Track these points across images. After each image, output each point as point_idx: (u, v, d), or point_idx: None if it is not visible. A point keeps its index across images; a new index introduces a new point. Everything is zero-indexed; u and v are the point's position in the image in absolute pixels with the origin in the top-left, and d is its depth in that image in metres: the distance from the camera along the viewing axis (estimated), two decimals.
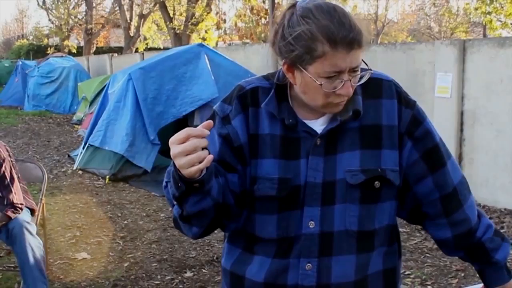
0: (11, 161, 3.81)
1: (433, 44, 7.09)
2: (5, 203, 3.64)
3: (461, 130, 6.57)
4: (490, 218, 5.72)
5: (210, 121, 1.32)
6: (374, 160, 1.44)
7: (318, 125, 1.46)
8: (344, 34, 1.33)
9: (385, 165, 1.45)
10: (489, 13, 14.21)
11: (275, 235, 1.46)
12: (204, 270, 4.53)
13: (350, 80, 1.36)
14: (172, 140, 1.29)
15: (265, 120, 1.47)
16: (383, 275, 1.51)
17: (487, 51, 6.24)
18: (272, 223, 1.46)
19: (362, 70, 1.41)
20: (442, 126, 6.62)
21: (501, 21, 14.72)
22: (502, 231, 5.33)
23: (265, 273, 1.47)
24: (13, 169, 3.77)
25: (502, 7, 14.06)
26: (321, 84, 1.35)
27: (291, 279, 1.44)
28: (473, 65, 6.40)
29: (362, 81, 1.41)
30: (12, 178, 3.71)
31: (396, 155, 1.47)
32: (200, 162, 1.27)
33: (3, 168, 3.65)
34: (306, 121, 1.46)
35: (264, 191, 1.44)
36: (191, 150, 1.26)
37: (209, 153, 1.29)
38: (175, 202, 1.40)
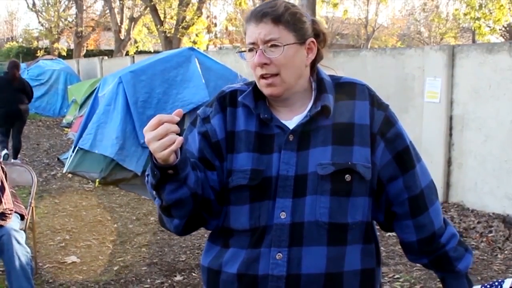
0: (2, 167, 3.81)
1: (423, 49, 7.14)
2: None
3: (450, 135, 6.61)
4: (478, 222, 5.78)
5: (180, 109, 1.43)
6: (345, 155, 1.51)
7: (293, 123, 1.55)
8: (258, 9, 1.53)
9: (356, 160, 1.51)
10: (478, 18, 14.30)
11: (248, 225, 1.51)
12: (194, 274, 4.53)
13: (264, 51, 1.50)
14: (146, 128, 1.39)
15: (241, 118, 1.58)
16: (360, 275, 1.53)
17: (476, 57, 6.29)
18: (244, 214, 1.52)
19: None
20: (431, 130, 6.67)
21: (490, 27, 14.82)
22: (490, 235, 5.38)
23: (238, 264, 1.51)
24: (4, 178, 3.77)
25: (491, 13, 14.17)
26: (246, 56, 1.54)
27: (262, 269, 1.48)
28: (462, 71, 6.45)
29: (276, 55, 1.49)
30: (3, 187, 3.72)
31: (368, 152, 1.53)
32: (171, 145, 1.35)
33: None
34: (281, 120, 1.57)
35: (237, 181, 1.52)
36: (163, 134, 1.35)
37: (188, 149, 1.48)
38: (154, 193, 1.48)
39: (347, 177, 1.49)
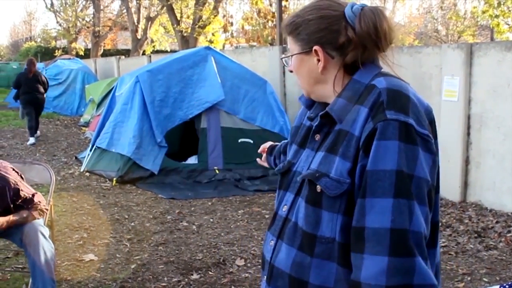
0: (21, 175, 3.88)
1: (440, 48, 7.08)
2: (29, 206, 3.72)
3: (468, 134, 6.56)
4: (497, 222, 5.72)
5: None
6: (329, 165, 1.43)
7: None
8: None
9: (333, 172, 1.41)
10: (497, 16, 14.17)
11: (275, 207, 1.67)
12: (210, 273, 4.55)
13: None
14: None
15: (306, 114, 1.70)
16: None
17: (494, 55, 6.23)
18: (276, 197, 1.69)
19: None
20: (449, 129, 6.62)
21: (508, 25, 14.68)
22: (509, 235, 5.33)
23: (264, 240, 1.67)
24: (23, 181, 3.85)
25: (509, 10, 14.03)
26: None
27: (265, 249, 1.64)
28: (480, 69, 6.39)
29: (289, 65, 1.61)
30: (28, 190, 3.79)
31: (346, 166, 1.39)
32: None
33: (20, 191, 3.71)
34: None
35: (278, 167, 1.70)
36: None
37: None
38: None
39: (318, 187, 1.43)
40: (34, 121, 11.45)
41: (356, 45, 1.47)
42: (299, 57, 1.55)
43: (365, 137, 1.36)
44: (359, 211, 1.34)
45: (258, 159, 2.45)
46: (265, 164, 2.39)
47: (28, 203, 3.71)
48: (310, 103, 1.65)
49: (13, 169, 3.85)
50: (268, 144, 2.37)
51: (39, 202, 3.77)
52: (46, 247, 3.65)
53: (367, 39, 1.46)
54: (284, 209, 1.57)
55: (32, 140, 11.26)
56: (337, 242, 1.40)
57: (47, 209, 3.86)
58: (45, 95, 11.83)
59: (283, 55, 1.69)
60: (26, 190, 3.75)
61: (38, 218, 3.77)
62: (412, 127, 1.35)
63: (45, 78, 11.88)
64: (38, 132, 12.00)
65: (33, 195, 3.75)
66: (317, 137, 1.55)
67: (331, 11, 1.49)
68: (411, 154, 1.33)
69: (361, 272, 1.31)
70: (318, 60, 1.51)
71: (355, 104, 1.44)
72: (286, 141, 2.13)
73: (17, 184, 3.69)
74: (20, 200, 3.69)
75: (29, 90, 11.33)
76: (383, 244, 1.29)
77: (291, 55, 1.58)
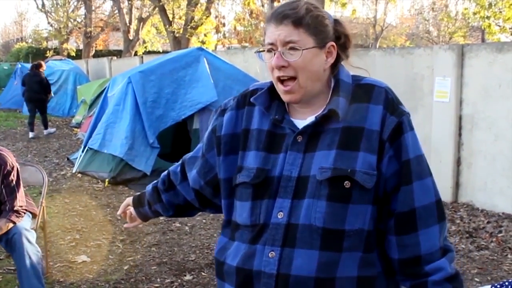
0: (18, 167, 3.86)
1: (432, 49, 7.12)
2: (8, 209, 3.69)
3: (460, 135, 6.59)
4: (488, 222, 5.76)
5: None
6: (349, 161, 1.47)
7: (304, 124, 1.55)
8: (279, 10, 1.51)
9: (359, 167, 1.46)
10: (488, 17, 14.25)
11: (249, 221, 1.55)
12: (203, 273, 4.55)
13: (282, 53, 1.49)
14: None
15: (257, 117, 1.62)
16: (357, 282, 1.48)
17: (485, 56, 6.27)
18: (247, 210, 1.56)
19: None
20: (441, 130, 6.65)
21: (499, 26, 14.76)
22: (500, 235, 5.36)
23: (238, 258, 1.55)
24: (20, 176, 3.82)
25: (500, 12, 14.11)
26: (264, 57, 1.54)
27: (256, 264, 1.51)
28: (472, 70, 6.42)
29: (295, 59, 1.49)
30: (18, 184, 3.77)
31: (374, 159, 1.48)
32: None
33: (12, 176, 3.70)
34: (295, 120, 1.57)
35: (242, 178, 1.58)
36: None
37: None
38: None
39: (346, 183, 1.46)
40: (32, 118, 12.60)
41: (345, 46, 1.59)
42: (313, 51, 1.50)
43: (390, 130, 1.49)
44: (406, 197, 1.49)
45: (125, 225, 2.16)
46: (135, 224, 2.11)
47: (8, 204, 3.70)
48: (267, 105, 1.60)
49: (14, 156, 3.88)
50: (128, 200, 2.08)
51: (19, 202, 3.74)
52: (31, 251, 3.64)
53: (346, 43, 1.59)
54: (280, 216, 1.50)
55: (31, 134, 12.40)
56: (365, 231, 1.49)
57: (25, 209, 3.80)
58: (49, 95, 13.04)
59: (260, 49, 1.58)
60: (15, 182, 3.74)
61: (18, 221, 3.71)
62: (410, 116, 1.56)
63: (46, 81, 12.88)
64: (49, 129, 13.01)
65: (15, 196, 3.73)
66: (300, 138, 1.52)
67: (325, 13, 1.55)
68: (416, 138, 1.55)
69: (421, 247, 1.49)
70: (326, 57, 1.54)
71: (355, 103, 1.52)
72: (160, 180, 1.94)
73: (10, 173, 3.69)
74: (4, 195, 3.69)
75: (30, 90, 12.56)
76: (434, 215, 1.51)
77: (304, 49, 1.48)
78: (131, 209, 2.05)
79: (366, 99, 1.52)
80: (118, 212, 2.14)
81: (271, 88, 1.60)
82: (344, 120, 1.50)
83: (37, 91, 12.48)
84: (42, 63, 13.25)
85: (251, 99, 1.61)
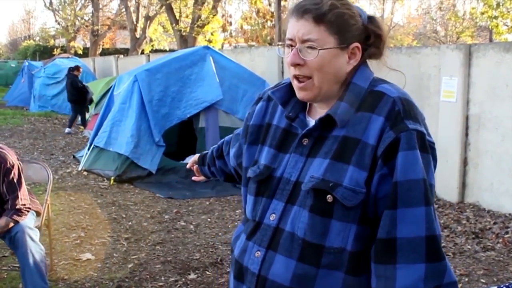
0: (20, 164, 3.85)
1: (439, 48, 7.08)
2: (10, 207, 3.69)
3: (466, 135, 6.56)
4: (494, 223, 5.72)
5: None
6: (339, 173, 1.38)
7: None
8: (301, 4, 1.42)
9: (347, 182, 1.36)
10: (496, 17, 14.17)
11: (250, 215, 1.57)
12: (208, 272, 4.54)
13: (299, 51, 1.41)
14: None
15: (279, 112, 1.58)
16: None
17: (492, 56, 6.23)
18: (250, 204, 1.57)
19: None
20: (447, 130, 6.62)
21: (507, 26, 14.67)
22: (506, 236, 5.33)
23: (239, 249, 1.58)
24: (21, 173, 3.82)
25: (508, 12, 14.03)
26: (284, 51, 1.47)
27: (245, 260, 1.52)
28: (479, 70, 6.39)
29: (311, 58, 1.40)
30: (20, 182, 3.76)
31: (363, 176, 1.36)
32: None
33: (12, 174, 3.70)
34: (310, 120, 1.51)
35: (251, 173, 1.58)
36: None
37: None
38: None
39: (329, 197, 1.37)
40: (73, 116, 13.60)
41: (375, 46, 1.49)
42: (333, 51, 1.40)
43: (385, 146, 1.34)
44: (389, 223, 1.33)
45: (193, 177, 2.27)
46: (201, 179, 2.23)
47: (10, 203, 3.70)
48: (286, 100, 1.53)
49: (16, 154, 3.88)
50: (196, 156, 2.21)
51: (22, 200, 3.74)
52: (34, 250, 3.64)
53: (376, 43, 1.48)
54: (272, 218, 1.47)
55: (67, 130, 13.18)
56: (347, 251, 1.39)
57: (27, 207, 3.79)
58: (87, 96, 13.45)
59: (280, 43, 1.52)
60: (17, 180, 3.73)
61: (20, 220, 3.70)
62: (425, 136, 1.38)
63: (76, 84, 13.49)
64: (69, 129, 13.26)
65: (17, 195, 3.72)
66: (305, 141, 1.46)
67: (355, 10, 1.45)
68: (425, 162, 1.35)
69: (396, 282, 1.31)
70: (349, 58, 1.44)
71: (360, 111, 1.41)
72: (217, 145, 2.05)
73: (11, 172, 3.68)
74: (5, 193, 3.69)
75: (66, 90, 13.99)
76: (419, 252, 1.31)
77: (321, 49, 1.38)
78: (195, 165, 2.20)
79: (371, 108, 1.40)
80: (188, 166, 2.26)
81: (290, 84, 1.53)
82: (346, 128, 1.41)
83: (71, 93, 13.50)
84: (78, 66, 14.25)
85: (269, 93, 1.58)
